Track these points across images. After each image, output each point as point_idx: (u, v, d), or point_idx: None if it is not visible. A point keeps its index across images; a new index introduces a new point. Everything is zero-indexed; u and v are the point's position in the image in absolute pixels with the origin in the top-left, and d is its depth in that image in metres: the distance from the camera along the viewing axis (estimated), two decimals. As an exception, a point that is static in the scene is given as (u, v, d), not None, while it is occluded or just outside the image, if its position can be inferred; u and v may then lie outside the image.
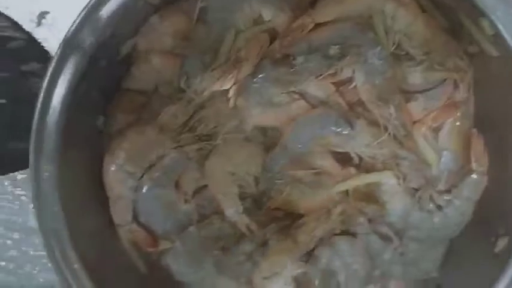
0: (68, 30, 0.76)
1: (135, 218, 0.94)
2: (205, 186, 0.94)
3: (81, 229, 0.84)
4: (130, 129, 0.91)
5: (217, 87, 0.81)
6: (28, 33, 1.05)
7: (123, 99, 0.92)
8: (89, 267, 0.82)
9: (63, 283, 0.80)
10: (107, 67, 0.84)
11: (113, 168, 0.90)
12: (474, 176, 0.88)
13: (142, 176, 0.92)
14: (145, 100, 0.92)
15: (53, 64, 0.77)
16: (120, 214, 0.93)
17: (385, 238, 0.93)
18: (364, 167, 0.91)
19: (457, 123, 0.89)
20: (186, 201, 0.95)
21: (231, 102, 0.83)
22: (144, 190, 0.93)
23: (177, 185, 0.94)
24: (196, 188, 0.95)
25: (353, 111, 0.88)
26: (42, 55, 1.05)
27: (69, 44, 0.76)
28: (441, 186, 0.90)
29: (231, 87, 0.81)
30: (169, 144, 0.91)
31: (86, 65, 0.77)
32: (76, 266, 0.80)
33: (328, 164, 0.91)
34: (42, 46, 1.06)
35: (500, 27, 0.73)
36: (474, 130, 0.88)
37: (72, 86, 0.77)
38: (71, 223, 0.80)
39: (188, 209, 0.95)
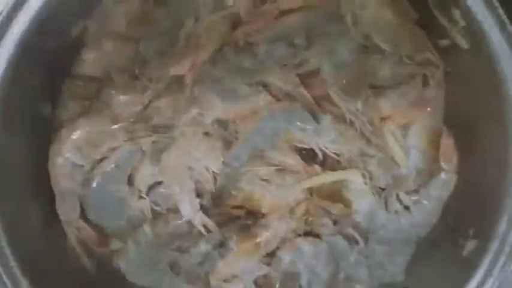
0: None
1: (83, 214, 0.88)
2: (161, 182, 0.89)
3: (20, 225, 0.77)
4: (81, 118, 0.85)
5: (172, 72, 0.75)
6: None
7: (73, 86, 0.86)
8: (28, 266, 0.75)
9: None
10: (56, 49, 0.77)
11: (59, 161, 0.84)
12: (443, 175, 0.84)
13: (92, 170, 0.86)
14: (98, 87, 0.86)
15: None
16: (67, 210, 0.87)
17: (351, 240, 0.89)
18: (329, 165, 0.87)
19: (427, 121, 0.86)
20: (139, 197, 0.89)
21: (187, 89, 0.77)
22: (93, 185, 0.87)
23: (130, 180, 0.89)
24: (151, 183, 0.89)
25: (319, 106, 0.84)
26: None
27: (10, 16, 0.69)
28: (409, 186, 0.86)
29: (188, 72, 0.75)
30: (122, 135, 0.85)
31: (31, 40, 0.70)
32: (12, 264, 0.73)
33: (292, 160, 0.86)
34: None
35: (472, 17, 0.70)
36: (444, 128, 0.85)
37: (13, 61, 0.70)
38: (7, 218, 0.73)
39: (142, 206, 0.89)
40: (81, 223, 0.88)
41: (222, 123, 0.86)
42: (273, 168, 0.86)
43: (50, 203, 0.86)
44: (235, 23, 0.82)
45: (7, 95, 0.72)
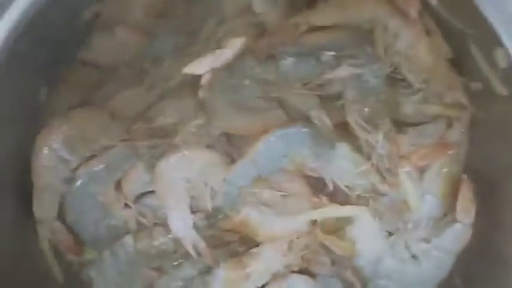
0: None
1: (61, 215, 0.80)
2: (152, 192, 0.81)
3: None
4: (77, 108, 0.78)
5: (188, 70, 0.68)
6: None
7: (75, 72, 0.79)
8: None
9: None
10: (63, 28, 0.71)
11: (45, 151, 0.77)
12: (458, 227, 0.78)
13: (78, 167, 0.79)
14: (101, 78, 0.79)
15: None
16: (44, 208, 0.79)
17: (348, 284, 0.82)
18: (338, 198, 0.80)
19: (446, 166, 0.80)
20: (125, 205, 0.81)
21: (201, 91, 0.70)
22: (77, 183, 0.79)
23: (118, 185, 0.81)
24: (141, 192, 0.81)
25: (336, 133, 0.77)
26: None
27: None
28: (419, 234, 0.79)
29: (204, 74, 0.68)
30: (118, 134, 0.78)
31: (38, 14, 0.63)
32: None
33: (299, 187, 0.79)
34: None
35: (516, 60, 0.65)
36: (464, 176, 0.79)
37: (16, 33, 0.62)
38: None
39: (127, 216, 0.81)
40: (57, 224, 0.80)
41: (228, 137, 0.80)
42: (277, 193, 0.79)
43: (26, 198, 0.78)
44: (261, 32, 0.77)
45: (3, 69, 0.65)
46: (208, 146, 0.79)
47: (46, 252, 0.80)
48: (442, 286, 0.81)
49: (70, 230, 0.81)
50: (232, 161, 0.79)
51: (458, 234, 0.78)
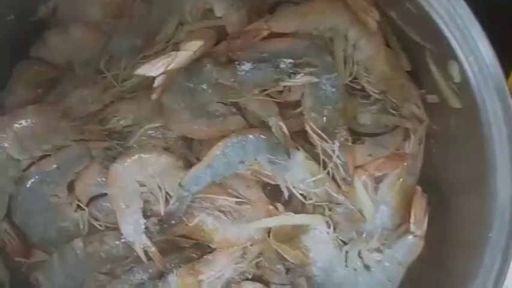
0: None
1: (9, 216, 0.78)
2: (105, 194, 0.79)
3: None
4: (29, 106, 0.75)
5: (142, 72, 0.67)
6: None
7: (29, 70, 0.77)
8: None
9: None
10: (15, 24, 0.69)
11: (-6, 149, 0.74)
12: (410, 238, 0.78)
13: (29, 167, 0.77)
14: (55, 76, 0.77)
15: None
16: (-9, 208, 0.76)
17: (301, 292, 0.81)
18: (293, 206, 0.80)
19: (401, 178, 0.80)
20: (78, 207, 0.79)
21: (154, 94, 0.69)
22: (28, 184, 0.77)
23: (70, 187, 0.79)
24: (94, 194, 0.79)
25: (293, 141, 0.77)
26: None
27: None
28: (373, 244, 0.79)
29: (158, 76, 0.67)
30: (72, 134, 0.76)
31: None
32: None
33: (255, 194, 0.79)
34: None
35: (469, 74, 0.66)
36: (418, 188, 0.80)
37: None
38: None
39: (78, 218, 0.79)
40: (4, 225, 0.78)
41: (185, 141, 0.79)
42: (233, 199, 0.78)
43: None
44: (220, 36, 0.76)
45: None
46: (164, 149, 0.78)
47: (-7, 255, 0.78)
48: (392, 296, 0.81)
49: (18, 231, 0.78)
50: (189, 164, 0.78)
51: (410, 246, 0.78)
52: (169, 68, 0.66)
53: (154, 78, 0.68)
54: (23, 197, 0.77)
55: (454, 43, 0.66)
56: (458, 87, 0.70)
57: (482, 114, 0.66)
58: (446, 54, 0.68)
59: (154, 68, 0.67)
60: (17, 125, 0.74)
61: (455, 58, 0.67)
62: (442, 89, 0.73)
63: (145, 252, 0.76)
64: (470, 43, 0.65)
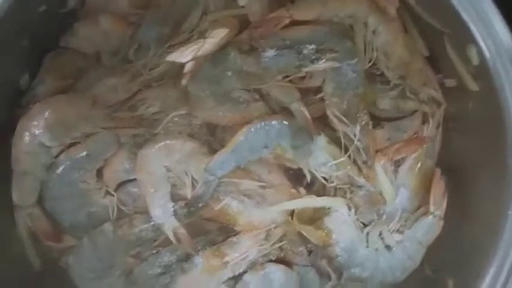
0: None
1: (40, 202, 0.80)
2: (133, 180, 0.82)
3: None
4: (59, 95, 0.78)
5: (172, 58, 0.69)
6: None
7: (58, 60, 0.79)
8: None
9: None
10: (46, 15, 0.71)
11: (26, 137, 0.76)
12: (430, 219, 0.81)
13: (60, 154, 0.79)
14: (84, 66, 0.80)
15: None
16: (23, 193, 0.79)
17: (323, 274, 0.84)
18: (315, 190, 0.82)
19: (420, 161, 0.83)
20: (106, 193, 0.82)
21: (184, 80, 0.72)
22: (58, 171, 0.79)
23: (99, 173, 0.82)
24: (123, 180, 0.82)
25: (315, 125, 0.79)
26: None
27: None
28: (393, 225, 0.82)
29: (187, 62, 0.69)
30: (101, 122, 0.78)
31: (18, 1, 0.63)
32: None
33: (277, 178, 0.81)
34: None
35: (487, 57, 0.68)
36: (437, 170, 0.82)
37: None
38: None
39: (107, 203, 0.82)
40: (36, 211, 0.80)
41: (210, 128, 0.81)
42: (256, 183, 0.80)
43: (3, 183, 0.78)
44: (243, 25, 0.78)
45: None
46: (190, 136, 0.81)
47: (23, 239, 0.80)
48: (413, 276, 0.83)
49: (49, 216, 0.81)
50: (213, 150, 0.80)
51: (429, 226, 0.81)
52: (197, 54, 0.69)
53: (182, 65, 0.70)
54: (54, 183, 0.80)
55: (472, 27, 0.68)
56: (476, 70, 0.72)
57: (500, 96, 0.68)
58: (464, 38, 0.70)
59: (184, 55, 0.69)
60: (48, 113, 0.76)
61: (474, 42, 0.69)
62: (460, 72, 0.75)
63: (175, 234, 0.79)
64: (488, 27, 0.67)
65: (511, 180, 0.69)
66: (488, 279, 0.70)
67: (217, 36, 0.71)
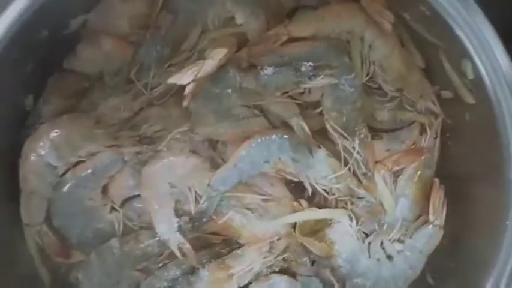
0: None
1: (48, 220, 0.82)
2: (138, 196, 0.84)
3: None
4: (64, 115, 0.79)
5: (173, 80, 0.71)
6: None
7: (62, 81, 0.81)
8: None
9: None
10: (49, 39, 0.73)
11: (33, 157, 0.78)
12: (430, 228, 0.82)
13: (65, 173, 0.81)
14: (87, 87, 0.81)
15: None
16: (31, 212, 0.81)
17: (326, 283, 0.85)
18: (316, 202, 0.84)
19: (419, 171, 0.84)
20: (112, 209, 0.84)
21: (185, 101, 0.73)
22: (64, 189, 0.81)
23: (105, 190, 0.84)
24: (127, 196, 0.84)
25: (314, 139, 0.80)
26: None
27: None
28: (394, 235, 0.83)
29: (188, 84, 0.71)
30: (105, 140, 0.80)
31: (26, 26, 0.65)
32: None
33: (279, 191, 0.83)
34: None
35: (482, 71, 0.69)
36: (436, 180, 0.84)
37: (2, 43, 0.65)
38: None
39: (113, 219, 0.84)
40: (44, 228, 0.82)
41: (211, 143, 0.83)
42: (259, 197, 0.82)
43: (13, 202, 0.80)
44: (242, 43, 0.80)
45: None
46: (192, 152, 0.82)
47: (34, 256, 0.82)
48: (415, 285, 0.84)
49: (57, 233, 0.83)
50: (216, 165, 0.82)
51: (430, 236, 0.82)
52: (197, 76, 0.70)
53: (184, 86, 0.72)
54: (61, 201, 0.81)
55: (466, 42, 0.69)
56: (471, 84, 0.73)
57: (495, 108, 0.70)
58: (459, 53, 0.71)
59: (185, 77, 0.71)
60: (54, 134, 0.78)
61: (468, 57, 0.70)
62: (456, 85, 0.76)
63: (180, 249, 0.80)
64: (483, 42, 0.68)
65: (507, 189, 0.71)
66: (489, 286, 0.71)
67: (216, 57, 0.72)
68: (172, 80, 0.71)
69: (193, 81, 0.71)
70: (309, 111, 0.82)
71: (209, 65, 0.72)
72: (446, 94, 0.81)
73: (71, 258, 0.85)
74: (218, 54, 0.73)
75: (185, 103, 0.73)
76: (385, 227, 0.84)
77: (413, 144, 0.85)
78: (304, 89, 0.79)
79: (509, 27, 0.70)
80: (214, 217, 0.82)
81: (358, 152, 0.80)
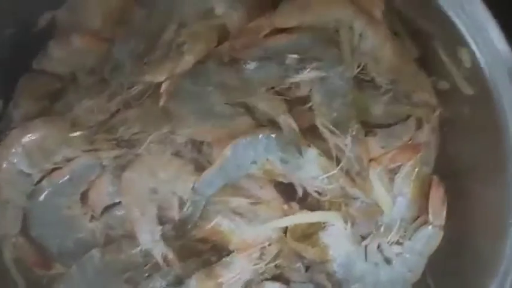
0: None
1: (25, 230, 0.78)
2: (119, 203, 0.79)
3: None
4: (37, 119, 0.75)
5: (148, 78, 0.66)
6: None
7: (33, 82, 0.77)
8: None
9: None
10: (15, 38, 0.68)
11: (4, 166, 0.74)
12: (430, 229, 0.78)
13: (41, 180, 0.77)
14: (60, 87, 0.77)
15: None
16: (6, 223, 0.76)
17: (321, 290, 0.81)
18: (308, 204, 0.79)
19: (416, 168, 0.79)
20: (92, 217, 0.79)
21: (162, 100, 0.68)
22: (41, 198, 0.77)
23: (83, 197, 0.79)
24: (108, 204, 0.79)
25: (304, 137, 0.76)
26: None
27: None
28: (392, 237, 0.78)
29: (164, 81, 0.66)
30: (81, 145, 0.75)
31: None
32: None
33: (268, 194, 0.78)
34: None
35: (480, 58, 0.64)
36: (435, 177, 0.79)
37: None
38: None
39: (94, 228, 0.79)
40: (20, 240, 0.78)
41: (195, 145, 0.78)
42: (247, 200, 0.77)
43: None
44: (223, 35, 0.75)
45: None
46: (174, 154, 0.78)
47: (10, 268, 0.78)
48: (415, 286, 0.80)
49: (36, 244, 0.78)
50: (201, 168, 0.77)
51: (430, 237, 0.78)
52: (174, 72, 0.66)
53: (160, 84, 0.67)
54: (37, 211, 0.77)
55: (462, 29, 0.65)
56: (469, 73, 0.68)
57: (495, 100, 0.65)
58: (454, 40, 0.67)
59: (161, 73, 0.66)
60: (26, 139, 0.74)
61: (465, 44, 0.65)
62: (453, 75, 0.72)
63: (164, 259, 0.76)
64: (479, 28, 0.64)
65: (509, 186, 0.66)
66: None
67: (193, 51, 0.68)
68: (147, 78, 0.66)
69: (169, 78, 0.66)
70: (297, 107, 0.77)
71: (186, 60, 0.67)
72: (443, 85, 0.76)
73: (52, 269, 0.80)
74: (195, 48, 0.68)
75: (161, 102, 0.69)
76: (382, 228, 0.79)
77: (410, 139, 0.80)
78: (291, 83, 0.74)
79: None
80: (200, 223, 0.77)
81: (351, 150, 0.75)
